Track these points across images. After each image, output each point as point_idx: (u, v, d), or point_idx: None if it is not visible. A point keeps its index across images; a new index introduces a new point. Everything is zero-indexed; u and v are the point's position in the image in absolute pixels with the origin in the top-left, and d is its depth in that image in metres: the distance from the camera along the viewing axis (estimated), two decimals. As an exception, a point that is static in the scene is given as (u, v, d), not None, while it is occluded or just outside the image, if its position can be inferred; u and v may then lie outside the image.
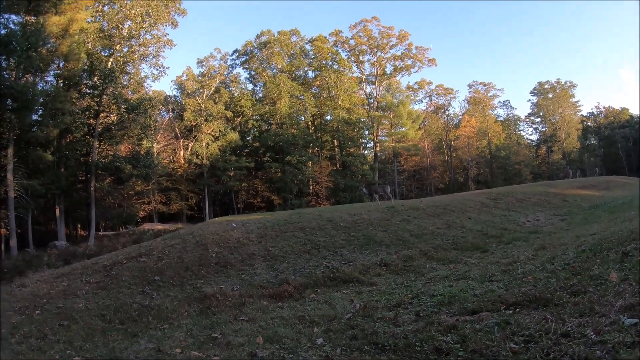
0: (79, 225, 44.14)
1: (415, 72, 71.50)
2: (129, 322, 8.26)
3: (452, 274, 9.10)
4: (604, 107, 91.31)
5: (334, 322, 6.37)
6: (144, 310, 8.87)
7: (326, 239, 13.89)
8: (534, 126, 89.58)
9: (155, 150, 51.01)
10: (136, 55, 41.40)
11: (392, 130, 65.98)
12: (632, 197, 21.22)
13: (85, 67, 34.59)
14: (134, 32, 39.41)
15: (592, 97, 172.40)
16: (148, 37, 41.97)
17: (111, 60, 37.30)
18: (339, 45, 67.46)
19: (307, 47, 65.49)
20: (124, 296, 9.88)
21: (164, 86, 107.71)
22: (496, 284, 6.89)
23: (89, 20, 34.92)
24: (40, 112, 30.80)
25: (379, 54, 68.34)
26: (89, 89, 36.14)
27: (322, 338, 5.61)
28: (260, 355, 5.21)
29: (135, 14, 38.37)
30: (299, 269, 11.48)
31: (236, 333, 6.66)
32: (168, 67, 57.47)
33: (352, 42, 67.41)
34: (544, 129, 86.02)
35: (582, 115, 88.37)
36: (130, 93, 42.67)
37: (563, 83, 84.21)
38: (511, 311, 4.89)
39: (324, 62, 62.91)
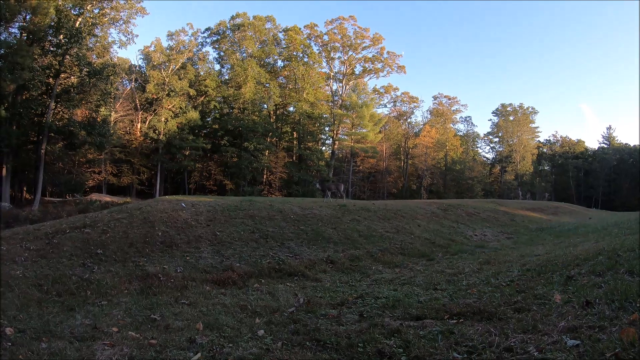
0: (25, 188, 42.54)
1: (383, 76, 72.34)
2: (66, 295, 7.96)
3: (398, 278, 9.16)
4: (561, 137, 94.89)
5: (276, 315, 6.33)
6: (83, 284, 8.57)
7: (275, 230, 13.79)
8: (492, 145, 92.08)
9: (112, 119, 49.99)
10: (106, 19, 40.27)
11: (353, 130, 66.26)
12: (577, 224, 21.95)
13: (52, 24, 33.41)
14: None
15: (551, 126, 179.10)
16: (121, 1, 40.91)
17: (80, 20, 35.99)
18: (312, 39, 67.38)
19: (281, 35, 65.10)
20: (64, 267, 9.52)
21: (130, 54, 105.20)
22: (441, 292, 6.94)
23: (63, -26, 33.68)
24: (-1, 64, 29.52)
25: (350, 53, 68.61)
26: (52, 47, 34.86)
27: (264, 330, 5.54)
28: (199, 342, 5.09)
29: None
30: (244, 257, 11.34)
31: (176, 316, 6.54)
32: (137, 36, 56.01)
33: (325, 37, 67.50)
34: (501, 149, 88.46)
35: (539, 141, 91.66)
36: (94, 57, 41.59)
37: (525, 108, 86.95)
38: (455, 321, 4.92)
39: (294, 54, 62.48)
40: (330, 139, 69.16)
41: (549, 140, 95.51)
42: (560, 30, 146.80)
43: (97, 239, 11.28)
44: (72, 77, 37.02)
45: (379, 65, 69.97)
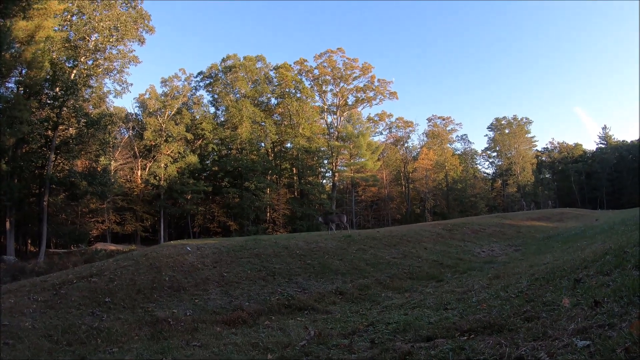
0: (29, 241, 42.47)
1: (376, 104, 72.88)
2: (76, 344, 7.97)
3: (408, 303, 9.09)
4: (558, 143, 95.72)
5: (288, 349, 6.25)
6: (93, 332, 8.59)
7: (282, 266, 13.77)
8: (490, 160, 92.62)
9: (112, 168, 50.40)
10: (100, 69, 41.00)
11: (351, 161, 66.63)
12: (584, 228, 21.86)
13: (48, 77, 33.94)
14: (100, 46, 39.23)
15: (547, 133, 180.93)
16: (114, 51, 41.67)
17: (75, 71, 36.73)
18: (303, 74, 68.35)
19: (272, 74, 66.13)
20: (73, 317, 9.50)
21: (126, 103, 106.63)
22: (451, 311, 6.89)
23: (56, 28, 34.44)
24: (-2, 118, 29.84)
25: (341, 84, 69.43)
26: (49, 100, 35.39)
27: (276, 365, 5.47)
28: (212, 382, 5.04)
29: (103, 27, 38.14)
30: (253, 295, 11.32)
31: (188, 359, 6.51)
32: (131, 84, 56.44)
33: (316, 71, 68.41)
34: (500, 163, 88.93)
35: (537, 150, 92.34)
36: (91, 107, 42.10)
37: (519, 119, 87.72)
38: (465, 337, 4.87)
39: (287, 90, 63.25)
40: (330, 172, 69.44)
41: (547, 148, 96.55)
42: (547, 35, 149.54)
43: (104, 288, 11.28)
44: (70, 128, 37.54)
45: (371, 94, 70.81)
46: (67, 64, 36.86)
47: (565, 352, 3.47)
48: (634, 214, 21.77)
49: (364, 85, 70.39)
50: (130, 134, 59.91)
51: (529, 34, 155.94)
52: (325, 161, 68.41)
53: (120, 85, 44.15)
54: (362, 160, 65.61)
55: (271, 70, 66.24)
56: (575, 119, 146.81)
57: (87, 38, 38.03)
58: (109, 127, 40.00)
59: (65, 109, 35.25)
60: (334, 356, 5.40)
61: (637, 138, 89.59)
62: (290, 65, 66.10)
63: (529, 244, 19.93)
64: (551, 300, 5.33)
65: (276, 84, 65.04)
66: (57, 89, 34.68)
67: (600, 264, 6.41)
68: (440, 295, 9.10)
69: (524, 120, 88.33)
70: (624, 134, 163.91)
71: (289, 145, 65.05)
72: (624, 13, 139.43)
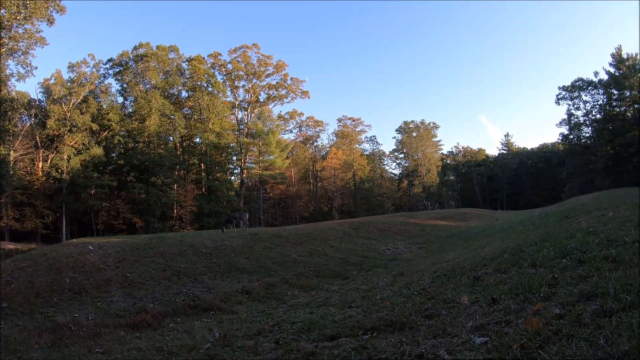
0: None
1: (288, 102, 73.06)
2: (-30, 357, 7.42)
3: (314, 301, 9.18)
4: (463, 147, 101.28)
5: (192, 353, 6.20)
6: (-11, 342, 8.03)
7: (187, 265, 13.55)
8: (398, 161, 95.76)
9: (11, 158, 46.65)
10: (4, 49, 37.46)
11: (260, 158, 66.64)
12: (485, 227, 23.04)
13: (-56, 54, 30.69)
14: (5, 23, 35.83)
15: (453, 138, 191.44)
16: (20, 30, 38.11)
17: (-24, 50, 33.45)
18: (216, 68, 67.04)
19: (184, 65, 64.26)
20: (-33, 325, 8.83)
21: (29, 88, 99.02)
22: (355, 309, 7.00)
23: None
24: None
25: (254, 81, 68.87)
26: (-56, 79, 32.05)
27: (180, 369, 5.35)
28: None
29: (10, 3, 34.92)
30: (158, 296, 11.12)
31: (90, 367, 6.22)
32: (36, 68, 52.47)
33: (229, 66, 67.34)
34: (407, 165, 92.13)
35: (442, 153, 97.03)
36: (-10, 91, 38.59)
37: (427, 123, 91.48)
38: (368, 336, 4.94)
39: (199, 83, 61.86)
40: (239, 168, 69.05)
41: (452, 151, 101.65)
42: (454, 41, 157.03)
43: (1, 292, 10.67)
44: (-34, 113, 34.37)
45: (283, 92, 70.86)
46: (-33, 41, 33.62)
47: (464, 348, 3.59)
48: (532, 214, 23.17)
49: (277, 82, 70.38)
50: (32, 122, 55.44)
51: (437, 41, 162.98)
52: (234, 158, 67.85)
53: (25, 68, 40.68)
54: (271, 157, 65.86)
55: (184, 62, 64.41)
56: (480, 126, 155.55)
57: (-8, 14, 34.84)
58: (10, 113, 36.99)
59: (-39, 91, 32.19)
60: (239, 358, 5.38)
61: (536, 146, 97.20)
62: (203, 58, 64.58)
63: (433, 242, 20.73)
64: (451, 298, 5.53)
65: (188, 76, 63.30)
66: (-45, 68, 31.54)
67: (499, 262, 6.75)
68: (346, 293, 9.24)
69: (431, 124, 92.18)
70: (525, 141, 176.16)
71: (197, 140, 63.76)
72: (533, 23, 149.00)
